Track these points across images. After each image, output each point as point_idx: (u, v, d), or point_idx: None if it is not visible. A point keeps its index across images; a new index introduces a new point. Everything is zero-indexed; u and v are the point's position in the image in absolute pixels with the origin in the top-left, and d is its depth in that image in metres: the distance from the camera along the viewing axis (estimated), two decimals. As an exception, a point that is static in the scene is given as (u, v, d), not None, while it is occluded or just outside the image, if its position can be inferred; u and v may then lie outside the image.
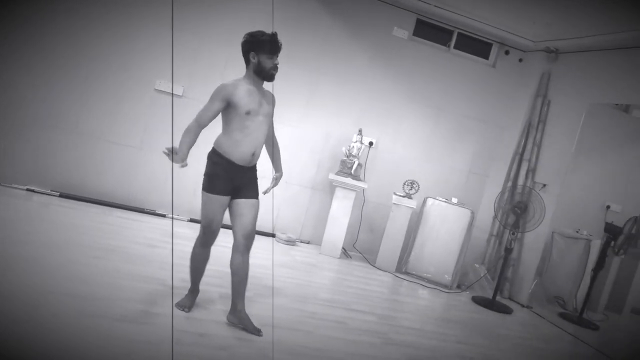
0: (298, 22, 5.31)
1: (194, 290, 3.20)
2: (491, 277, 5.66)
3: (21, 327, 2.45)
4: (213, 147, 2.99)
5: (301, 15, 5.32)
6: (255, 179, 3.09)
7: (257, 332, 3.01)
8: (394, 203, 5.38)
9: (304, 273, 4.60)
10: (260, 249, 4.80)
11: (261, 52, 2.89)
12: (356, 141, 5.32)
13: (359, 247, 5.72)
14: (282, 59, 5.15)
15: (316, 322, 3.49)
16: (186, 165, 2.81)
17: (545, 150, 5.77)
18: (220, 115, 2.94)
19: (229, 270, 3.05)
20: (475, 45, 5.99)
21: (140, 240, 4.24)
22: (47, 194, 4.82)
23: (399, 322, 3.97)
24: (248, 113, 2.89)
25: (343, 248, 5.46)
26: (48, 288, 2.92)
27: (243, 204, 3.00)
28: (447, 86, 5.86)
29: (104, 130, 5.00)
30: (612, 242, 5.39)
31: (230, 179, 2.94)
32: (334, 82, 5.48)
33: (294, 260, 4.90)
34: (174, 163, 2.76)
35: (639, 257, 6.41)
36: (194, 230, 4.85)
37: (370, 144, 5.58)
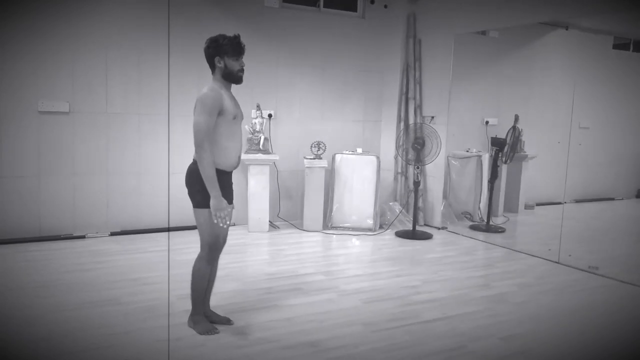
0: (171, 9, 5.23)
1: (199, 310, 3.06)
2: (406, 211, 6.16)
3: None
4: (195, 160, 2.82)
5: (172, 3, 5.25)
6: (231, 183, 3.08)
7: (227, 321, 3.15)
8: (306, 167, 5.62)
9: (241, 255, 4.75)
10: (182, 244, 4.87)
11: (226, 56, 2.86)
12: (257, 117, 5.44)
13: (284, 216, 5.94)
14: (159, 48, 5.14)
15: (274, 295, 3.69)
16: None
17: (426, 85, 6.27)
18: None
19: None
20: (342, 1, 6.25)
21: (71, 268, 4.12)
22: (-50, 248, 4.48)
23: (344, 273, 4.28)
24: (235, 118, 2.88)
25: (270, 221, 5.64)
26: (9, 340, 2.84)
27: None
28: (326, 45, 6.10)
29: (-7, 167, 4.69)
30: (500, 153, 6.06)
31: (222, 187, 2.84)
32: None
33: (227, 245, 5.00)
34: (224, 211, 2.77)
35: (522, 159, 7.26)
36: (120, 244, 4.81)
37: (270, 116, 5.73)
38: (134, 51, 5.09)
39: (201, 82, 4.25)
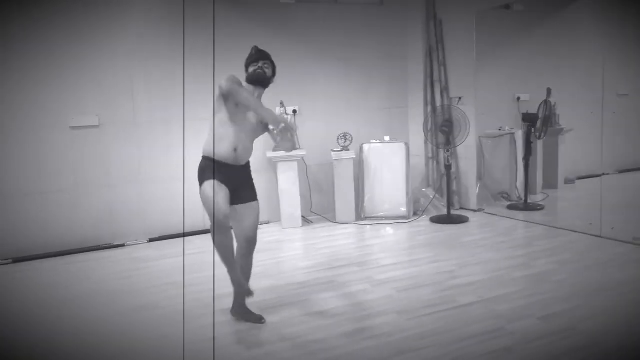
0: (187, 16, 5.29)
1: (242, 289, 3.06)
2: (440, 195, 6.06)
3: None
4: (203, 157, 2.98)
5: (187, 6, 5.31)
6: (245, 179, 3.08)
7: (259, 320, 3.17)
8: (334, 159, 5.61)
9: (275, 252, 4.78)
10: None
11: (249, 66, 3.07)
12: (281, 114, 5.45)
13: (316, 210, 5.95)
14: (176, 54, 5.18)
15: (308, 289, 3.70)
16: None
17: (451, 66, 6.14)
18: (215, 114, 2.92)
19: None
20: (359, -11, 6.20)
21: (112, 276, 4.23)
22: (0, 265, 4.66)
23: (378, 263, 4.25)
24: (237, 106, 2.91)
25: (302, 216, 5.65)
26: (58, 348, 2.94)
27: (242, 209, 3.02)
28: (346, 36, 6.05)
29: (28, 183, 4.85)
30: (532, 129, 5.89)
31: (228, 181, 2.88)
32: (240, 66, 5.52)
33: (261, 243, 4.97)
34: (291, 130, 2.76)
35: (558, 133, 7.04)
36: (158, 250, 4.92)
37: (294, 112, 5.73)
38: (156, 60, 5.17)
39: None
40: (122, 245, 5.14)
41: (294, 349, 2.80)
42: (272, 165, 5.59)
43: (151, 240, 5.27)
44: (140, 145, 5.20)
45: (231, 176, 2.93)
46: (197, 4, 4.98)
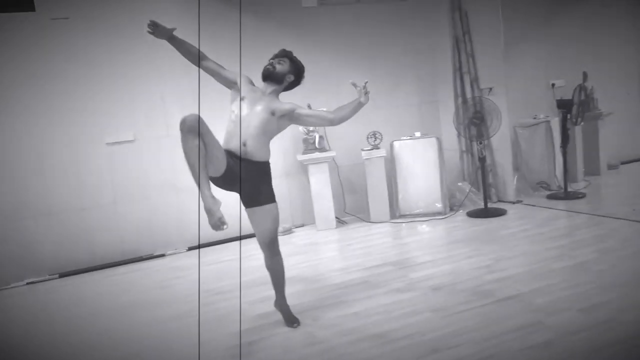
0: (217, 21, 5.39)
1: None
2: (476, 189, 5.95)
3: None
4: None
5: (218, 16, 5.40)
6: (264, 178, 3.06)
7: (291, 324, 3.18)
8: (365, 159, 5.59)
9: (310, 254, 4.79)
10: (259, 249, 4.99)
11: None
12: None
13: (350, 210, 5.94)
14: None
15: (343, 290, 3.69)
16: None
17: (479, 56, 6.03)
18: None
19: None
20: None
21: (153, 286, 4.34)
22: (47, 280, 4.85)
23: (414, 261, 4.21)
24: (234, 100, 3.06)
25: (336, 217, 5.65)
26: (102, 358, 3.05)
27: (256, 212, 3.03)
28: (370, 34, 6.02)
29: (70, 200, 5.03)
30: (568, 115, 5.72)
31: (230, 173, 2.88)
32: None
33: (296, 246, 5.09)
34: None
35: (597, 118, 6.81)
36: (196, 258, 5.01)
37: (323, 114, 5.73)
38: (183, 73, 5.27)
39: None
40: (162, 255, 5.26)
41: (328, 351, 2.80)
42: (303, 168, 5.61)
43: (190, 248, 5.37)
44: (174, 156, 5.31)
45: (243, 170, 2.87)
46: (222, 17, 5.09)
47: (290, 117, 3.09)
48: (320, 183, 5.49)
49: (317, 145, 5.44)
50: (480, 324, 2.90)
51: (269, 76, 3.11)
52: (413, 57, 6.25)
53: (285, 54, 3.17)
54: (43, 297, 4.46)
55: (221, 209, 2.62)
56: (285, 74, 3.13)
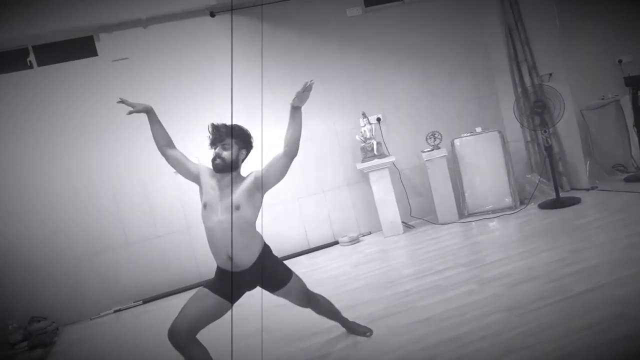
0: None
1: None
2: (546, 179, 5.73)
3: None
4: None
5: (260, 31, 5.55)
6: (270, 263, 2.90)
7: (364, 333, 3.20)
8: (426, 160, 5.53)
9: (380, 261, 4.78)
10: (328, 260, 5.07)
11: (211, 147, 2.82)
12: (364, 125, 5.49)
13: (417, 214, 5.88)
14: (253, 87, 5.36)
15: (413, 296, 3.67)
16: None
17: (534, 42, 5.83)
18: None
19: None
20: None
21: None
22: (133, 307, 5.13)
23: (485, 261, 4.11)
24: (204, 206, 2.78)
25: (403, 222, 5.61)
26: None
27: (284, 291, 2.97)
28: (419, 34, 5.97)
29: (148, 229, 5.31)
30: (638, 92, 5.39)
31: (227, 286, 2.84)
32: (319, 84, 5.66)
33: (364, 254, 5.10)
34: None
35: (671, 91, 6.35)
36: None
37: (378, 120, 5.75)
38: (215, 101, 5.43)
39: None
40: (237, 274, 5.42)
41: (401, 359, 2.80)
42: (364, 176, 5.63)
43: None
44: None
45: (242, 282, 2.80)
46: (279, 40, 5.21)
47: (257, 187, 2.75)
48: (383, 189, 5.48)
49: (375, 152, 5.44)
50: (557, 321, 2.80)
51: (222, 169, 2.76)
52: (465, 51, 6.13)
53: (224, 132, 2.76)
54: (130, 322, 4.72)
55: None
56: (237, 157, 2.79)
